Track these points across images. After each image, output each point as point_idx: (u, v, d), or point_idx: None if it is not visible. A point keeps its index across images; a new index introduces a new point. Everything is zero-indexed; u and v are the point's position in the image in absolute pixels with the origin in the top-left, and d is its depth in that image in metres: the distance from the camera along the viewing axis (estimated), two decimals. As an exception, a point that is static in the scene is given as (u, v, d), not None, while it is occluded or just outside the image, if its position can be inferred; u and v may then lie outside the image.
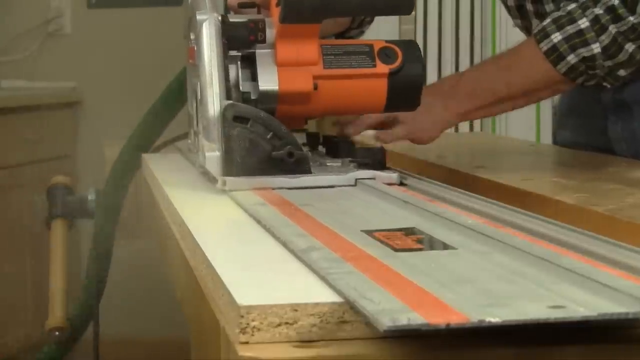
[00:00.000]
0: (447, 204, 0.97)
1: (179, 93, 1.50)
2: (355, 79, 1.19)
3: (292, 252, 0.77)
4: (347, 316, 0.61)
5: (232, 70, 1.16)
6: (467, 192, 1.02)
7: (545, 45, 1.31)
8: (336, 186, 1.10)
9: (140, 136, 1.60)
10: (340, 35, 1.48)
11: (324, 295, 0.63)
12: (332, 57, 1.18)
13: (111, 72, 3.55)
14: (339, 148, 1.22)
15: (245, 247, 0.83)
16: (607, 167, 1.38)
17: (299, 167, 1.09)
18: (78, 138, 3.62)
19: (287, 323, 0.61)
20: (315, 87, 1.16)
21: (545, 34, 1.32)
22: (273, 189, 1.07)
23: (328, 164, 1.18)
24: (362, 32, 1.53)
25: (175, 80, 1.56)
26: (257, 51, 1.16)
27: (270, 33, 1.16)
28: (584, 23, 1.29)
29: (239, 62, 1.17)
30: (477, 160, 1.26)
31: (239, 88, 1.16)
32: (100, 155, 1.80)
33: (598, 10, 1.30)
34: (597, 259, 0.72)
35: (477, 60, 3.07)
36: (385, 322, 0.56)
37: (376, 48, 1.20)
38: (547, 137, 2.95)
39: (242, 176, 1.08)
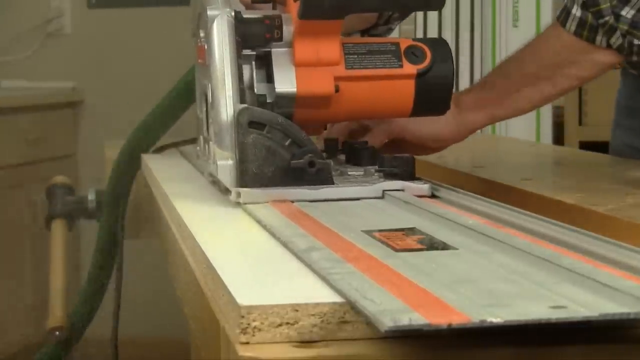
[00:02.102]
0: (453, 206, 0.96)
1: (185, 93, 1.43)
2: (380, 80, 1.10)
3: (292, 252, 0.77)
4: (348, 316, 0.61)
5: (246, 70, 1.07)
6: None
7: (559, 11, 1.19)
8: (362, 198, 1.00)
9: (141, 136, 1.57)
10: (366, 32, 1.38)
11: (325, 296, 0.63)
12: (355, 56, 1.09)
13: (111, 72, 3.55)
14: (361, 155, 1.12)
15: (245, 247, 0.83)
16: (607, 167, 1.38)
17: (320, 177, 1.00)
18: (78, 138, 3.62)
19: (288, 323, 0.61)
20: (337, 90, 1.07)
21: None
22: (292, 201, 0.98)
23: (349, 172, 1.09)
24: (390, 30, 1.42)
25: (182, 80, 1.46)
26: (273, 50, 1.07)
27: (288, 30, 1.07)
28: None
29: (253, 62, 1.08)
30: (477, 160, 1.26)
31: (253, 90, 1.07)
32: (100, 155, 1.79)
33: None
34: (597, 259, 0.72)
35: (476, 60, 3.07)
36: (387, 322, 0.56)
37: (403, 47, 1.11)
38: (547, 137, 2.96)
39: (258, 187, 0.99)
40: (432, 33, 3.05)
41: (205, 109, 1.11)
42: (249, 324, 0.61)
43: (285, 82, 1.06)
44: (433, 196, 1.02)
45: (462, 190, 1.04)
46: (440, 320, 0.56)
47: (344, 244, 0.78)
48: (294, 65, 1.07)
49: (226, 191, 1.03)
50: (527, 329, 0.57)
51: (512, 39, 2.99)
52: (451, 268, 0.70)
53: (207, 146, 1.11)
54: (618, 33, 1.14)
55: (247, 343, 0.60)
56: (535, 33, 2.90)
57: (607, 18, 1.13)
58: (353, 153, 1.15)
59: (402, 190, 1.01)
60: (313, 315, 0.61)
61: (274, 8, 1.14)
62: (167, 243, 1.08)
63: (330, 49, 1.07)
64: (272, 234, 0.84)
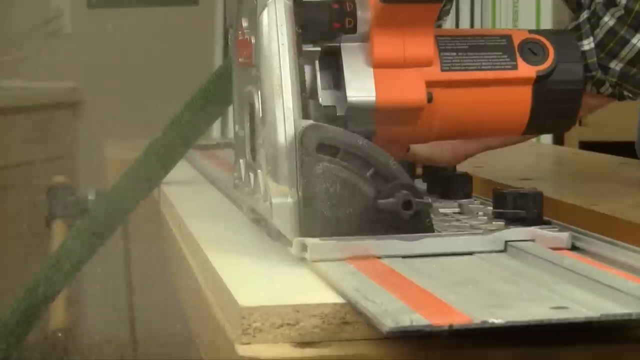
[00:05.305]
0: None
1: (211, 98, 1.09)
2: (487, 86, 0.86)
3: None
4: (349, 317, 0.61)
5: (307, 73, 0.81)
6: None
7: None
8: (475, 253, 0.74)
9: (176, 137, 1.18)
10: None
11: (326, 296, 0.63)
12: (454, 54, 0.85)
13: (111, 72, 3.55)
14: (453, 185, 0.90)
15: (246, 249, 0.83)
16: (607, 167, 1.38)
17: (416, 223, 0.73)
18: (78, 138, 3.62)
19: (289, 324, 0.61)
20: (430, 99, 0.82)
21: None
22: (380, 257, 0.72)
23: (442, 210, 0.85)
24: (438, 26, 1.25)
25: (212, 80, 1.11)
26: (344, 45, 0.82)
27: (363, 18, 0.81)
28: (583, 16, 1.08)
29: (316, 62, 0.82)
30: (477, 160, 1.26)
31: (317, 100, 0.81)
32: (100, 155, 1.79)
33: None
34: (598, 260, 0.72)
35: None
36: (388, 323, 0.56)
37: (516, 41, 0.87)
38: (547, 137, 2.96)
39: (331, 237, 0.72)
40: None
41: (249, 124, 0.85)
42: (250, 325, 0.61)
43: (360, 88, 0.81)
44: (574, 248, 0.77)
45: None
46: (442, 321, 0.56)
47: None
48: (371, 65, 0.82)
49: (279, 236, 0.79)
50: (528, 330, 0.57)
51: (512, 38, 2.98)
52: (452, 269, 0.70)
53: (251, 175, 0.85)
54: (607, 84, 1.09)
55: (248, 344, 0.60)
56: (535, 33, 2.90)
57: (593, 72, 1.07)
58: (440, 181, 0.92)
59: (533, 240, 0.75)
60: (314, 316, 0.61)
61: None
62: (168, 244, 1.08)
63: (421, 44, 0.83)
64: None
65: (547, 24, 2.79)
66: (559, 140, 2.96)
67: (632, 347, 0.60)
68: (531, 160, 1.65)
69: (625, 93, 1.10)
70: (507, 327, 0.56)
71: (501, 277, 0.67)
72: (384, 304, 0.59)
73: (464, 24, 3.06)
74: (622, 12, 1.05)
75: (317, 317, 0.61)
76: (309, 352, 0.59)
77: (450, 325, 0.55)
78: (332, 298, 0.63)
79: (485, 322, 0.56)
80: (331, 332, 0.61)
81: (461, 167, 1.32)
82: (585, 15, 1.08)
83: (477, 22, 3.06)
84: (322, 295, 0.64)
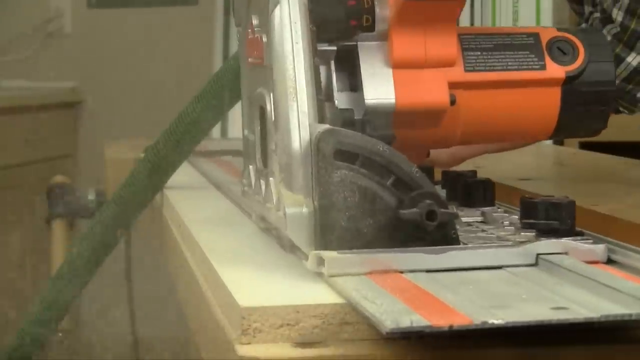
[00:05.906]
0: None
1: (213, 98, 1.04)
2: (514, 87, 0.82)
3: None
4: (349, 318, 0.61)
5: (322, 74, 0.77)
6: None
7: None
8: (505, 267, 0.69)
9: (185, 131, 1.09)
10: None
11: (326, 296, 0.63)
12: (478, 53, 0.81)
13: (111, 72, 3.55)
14: (475, 192, 0.85)
15: (246, 249, 0.83)
16: (607, 167, 1.38)
17: (441, 234, 0.69)
18: (78, 138, 3.62)
19: (289, 324, 0.61)
20: (453, 101, 0.79)
21: None
22: (402, 272, 0.67)
23: (465, 219, 0.81)
24: None
25: (215, 80, 1.05)
26: (361, 44, 0.78)
27: (382, 15, 0.78)
28: None
29: (332, 62, 0.78)
30: (476, 160, 1.26)
31: (333, 102, 0.76)
32: (100, 155, 1.79)
33: (597, 14, 1.08)
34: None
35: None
36: (388, 324, 0.56)
37: (544, 39, 0.83)
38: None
39: (349, 251, 0.68)
40: (432, 33, 3.05)
41: (260, 128, 0.81)
42: (249, 325, 0.61)
43: (379, 90, 0.77)
44: (609, 261, 0.72)
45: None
46: (442, 321, 0.56)
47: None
48: (390, 66, 0.78)
49: (293, 248, 0.75)
50: (528, 330, 0.57)
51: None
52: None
53: (262, 182, 0.81)
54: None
55: (248, 344, 0.60)
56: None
57: None
58: (461, 188, 0.87)
59: (566, 253, 0.70)
60: (314, 316, 0.61)
61: None
62: (168, 244, 1.08)
63: (443, 42, 0.79)
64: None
65: (547, 24, 2.79)
66: (559, 140, 2.96)
67: (632, 347, 0.60)
68: (531, 160, 1.65)
69: (621, 109, 1.12)
70: (508, 327, 0.56)
71: (501, 278, 0.67)
72: (383, 304, 0.59)
73: (464, 23, 3.07)
74: (618, 29, 1.06)
75: (317, 317, 0.61)
76: (309, 352, 0.59)
77: (451, 326, 0.55)
78: (332, 298, 0.63)
79: (485, 322, 0.56)
80: (331, 332, 0.61)
81: (461, 168, 1.32)
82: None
83: (477, 22, 3.06)
84: (322, 295, 0.64)
